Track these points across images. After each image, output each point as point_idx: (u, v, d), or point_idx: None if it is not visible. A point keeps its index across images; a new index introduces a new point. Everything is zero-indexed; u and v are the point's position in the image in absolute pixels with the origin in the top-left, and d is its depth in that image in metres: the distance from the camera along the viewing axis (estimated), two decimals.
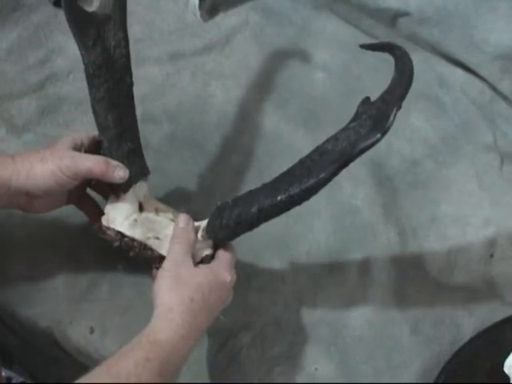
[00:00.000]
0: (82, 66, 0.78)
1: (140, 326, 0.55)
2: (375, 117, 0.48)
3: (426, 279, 0.69)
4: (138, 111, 0.76)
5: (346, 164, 0.48)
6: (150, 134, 0.75)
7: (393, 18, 0.85)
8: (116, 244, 0.57)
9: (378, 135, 0.46)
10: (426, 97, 0.83)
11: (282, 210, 0.51)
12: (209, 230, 0.55)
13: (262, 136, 0.77)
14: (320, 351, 0.64)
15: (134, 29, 0.85)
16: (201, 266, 0.54)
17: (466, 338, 0.63)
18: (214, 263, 0.55)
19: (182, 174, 0.72)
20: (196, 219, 0.69)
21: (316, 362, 0.63)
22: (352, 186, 0.75)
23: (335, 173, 0.49)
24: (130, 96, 0.59)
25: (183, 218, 0.56)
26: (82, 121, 0.74)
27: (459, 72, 0.86)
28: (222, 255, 0.56)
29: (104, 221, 0.57)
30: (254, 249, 0.68)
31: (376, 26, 0.87)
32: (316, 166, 0.49)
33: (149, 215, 0.57)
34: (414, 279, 0.69)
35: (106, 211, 0.57)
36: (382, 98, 0.49)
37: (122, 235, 0.56)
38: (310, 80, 0.83)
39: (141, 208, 0.58)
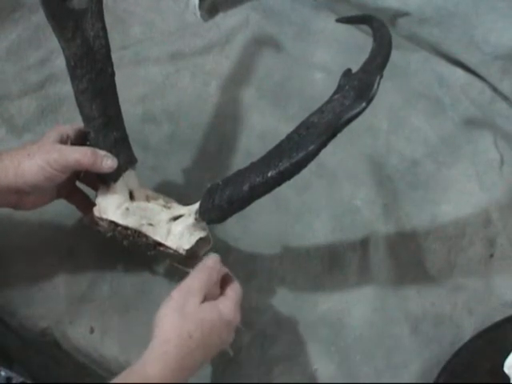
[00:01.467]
0: None
1: (140, 325, 0.55)
2: (358, 87, 0.48)
3: (426, 279, 0.69)
4: (138, 111, 0.77)
5: (333, 135, 0.48)
6: (150, 134, 0.75)
7: (393, 17, 0.85)
8: (109, 234, 0.57)
9: (364, 104, 0.47)
10: (426, 97, 0.83)
11: (273, 187, 0.51)
12: (201, 211, 0.55)
13: (261, 136, 0.77)
14: (320, 351, 0.64)
15: (134, 29, 0.85)
16: (207, 302, 0.52)
17: (466, 338, 0.63)
18: (220, 300, 0.54)
19: (182, 173, 0.72)
20: None
21: (316, 362, 0.63)
22: (352, 185, 0.75)
23: (323, 145, 0.49)
24: (112, 86, 0.59)
25: (213, 257, 0.56)
26: (81, 120, 0.74)
27: (459, 72, 0.86)
28: (230, 293, 0.54)
29: (96, 212, 0.57)
30: (254, 248, 0.68)
31: None
32: (304, 140, 0.49)
33: (140, 203, 0.58)
34: (414, 279, 0.69)
35: (97, 202, 0.57)
36: (363, 68, 0.49)
37: (115, 225, 0.56)
38: (310, 80, 0.83)
39: (131, 196, 0.58)
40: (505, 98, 0.84)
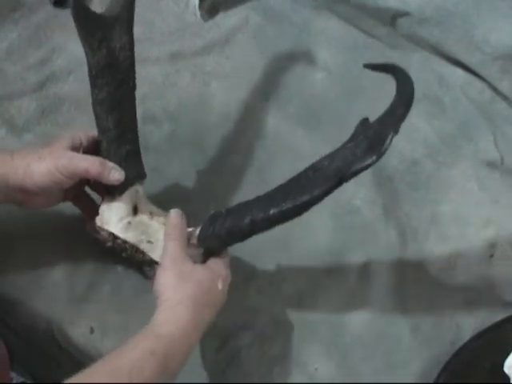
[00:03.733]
0: (82, 66, 0.78)
1: (140, 326, 0.55)
2: (372, 138, 0.48)
3: (426, 279, 0.69)
4: (138, 111, 0.76)
5: (339, 183, 0.48)
6: (150, 134, 0.75)
7: (393, 17, 0.85)
8: (108, 245, 0.57)
9: (374, 157, 0.46)
10: (426, 97, 0.83)
11: (274, 224, 0.51)
12: (201, 237, 0.55)
13: (261, 136, 0.77)
14: (320, 351, 0.64)
15: (134, 29, 0.85)
16: (199, 264, 0.54)
17: (466, 338, 0.63)
18: (210, 261, 0.55)
19: (182, 173, 0.72)
20: (195, 219, 0.69)
21: (316, 361, 0.63)
22: (352, 186, 0.74)
23: (328, 191, 0.48)
24: (131, 99, 0.59)
25: (175, 214, 0.57)
26: (81, 121, 0.74)
27: (459, 72, 0.86)
28: (218, 255, 0.56)
29: (98, 221, 0.57)
30: (254, 249, 0.68)
31: (376, 26, 0.87)
32: (310, 183, 0.49)
33: (143, 218, 0.58)
34: (414, 279, 0.69)
35: (100, 212, 0.57)
36: (381, 119, 0.49)
37: (114, 237, 0.56)
38: (310, 80, 0.83)
39: (135, 211, 0.58)
40: (505, 97, 0.84)
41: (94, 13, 0.54)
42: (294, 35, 0.87)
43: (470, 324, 0.66)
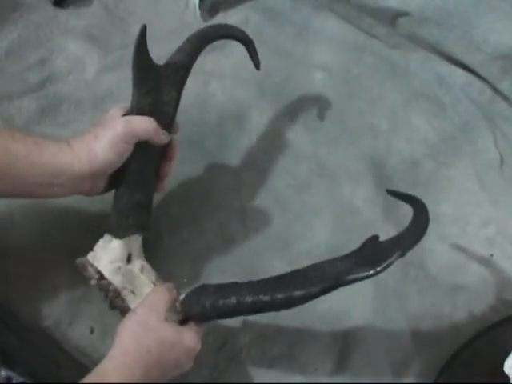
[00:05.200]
0: (82, 66, 0.78)
1: None
2: (378, 253, 0.48)
3: (426, 279, 0.69)
4: None
5: (334, 287, 0.48)
6: None
7: (393, 17, 0.85)
8: (93, 282, 0.57)
9: (375, 270, 0.47)
10: (426, 97, 0.83)
11: (260, 310, 0.51)
12: (184, 302, 0.55)
13: (261, 136, 0.77)
14: (320, 351, 0.64)
15: (134, 28, 0.85)
16: (171, 324, 0.53)
17: (466, 338, 0.63)
18: (186, 326, 0.54)
19: (181, 173, 0.72)
20: (195, 219, 0.69)
21: (316, 362, 0.63)
22: (352, 185, 0.75)
23: (323, 291, 0.48)
24: (160, 154, 0.60)
25: (170, 283, 0.58)
26: (81, 120, 0.74)
27: (459, 72, 0.86)
28: (195, 323, 0.55)
29: (90, 256, 0.57)
30: (254, 249, 0.68)
31: (376, 26, 0.87)
32: (307, 280, 0.49)
33: (133, 270, 0.58)
34: (414, 279, 0.69)
35: (94, 248, 0.57)
36: (391, 240, 0.49)
37: (100, 276, 0.56)
38: (310, 80, 0.83)
39: (129, 260, 0.58)
40: (505, 97, 0.84)
41: (153, 62, 0.56)
42: (294, 35, 0.87)
43: (469, 324, 0.66)
